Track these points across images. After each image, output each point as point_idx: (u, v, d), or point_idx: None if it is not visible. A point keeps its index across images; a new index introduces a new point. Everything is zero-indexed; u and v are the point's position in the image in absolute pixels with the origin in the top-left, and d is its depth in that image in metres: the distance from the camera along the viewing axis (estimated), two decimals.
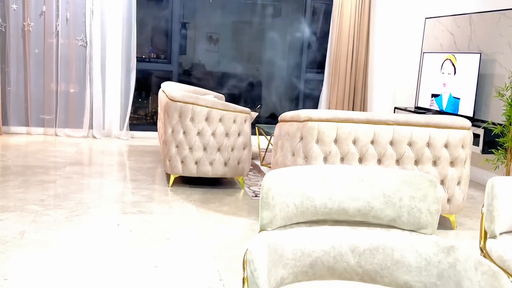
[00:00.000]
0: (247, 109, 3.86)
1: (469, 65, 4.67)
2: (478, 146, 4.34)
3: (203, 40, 6.42)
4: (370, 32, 6.02)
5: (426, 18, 5.66)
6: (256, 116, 5.14)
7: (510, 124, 3.92)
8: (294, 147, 3.08)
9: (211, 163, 3.76)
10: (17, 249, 2.49)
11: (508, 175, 3.97)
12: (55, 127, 5.55)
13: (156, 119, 6.32)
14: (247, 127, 3.84)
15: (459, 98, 4.80)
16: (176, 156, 3.72)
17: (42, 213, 3.06)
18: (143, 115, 6.34)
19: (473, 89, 4.58)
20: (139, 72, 5.75)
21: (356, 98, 6.09)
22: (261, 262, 1.02)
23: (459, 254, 1.19)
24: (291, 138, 3.12)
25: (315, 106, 6.39)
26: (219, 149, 3.76)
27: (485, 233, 1.56)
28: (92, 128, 5.61)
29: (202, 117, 3.69)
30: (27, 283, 2.16)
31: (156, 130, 5.93)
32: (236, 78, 6.59)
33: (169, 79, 5.98)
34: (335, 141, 3.00)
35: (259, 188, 3.98)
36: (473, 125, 4.38)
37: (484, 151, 4.31)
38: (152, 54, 6.21)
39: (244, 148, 3.84)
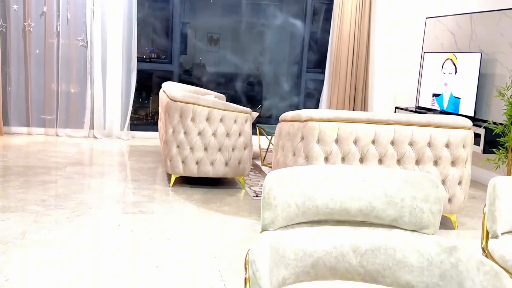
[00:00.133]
0: (248, 109, 3.86)
1: (470, 64, 4.67)
2: (479, 145, 4.34)
3: (204, 40, 6.42)
4: (370, 32, 6.02)
5: (426, 17, 5.65)
6: (257, 116, 5.14)
7: (511, 124, 3.91)
8: (295, 147, 3.08)
9: (212, 163, 3.76)
10: (18, 250, 2.49)
11: (509, 174, 3.97)
12: (56, 127, 5.55)
13: (157, 119, 6.32)
14: (248, 127, 3.84)
15: (459, 98, 4.80)
16: (177, 156, 3.72)
17: (43, 213, 3.06)
18: (143, 115, 6.34)
19: (474, 89, 4.57)
20: (139, 72, 5.75)
21: (357, 98, 6.09)
22: (263, 262, 1.01)
23: (461, 254, 1.19)
24: (292, 138, 3.12)
25: (316, 106, 6.39)
26: (220, 149, 3.76)
27: (487, 233, 1.56)
28: (93, 128, 5.61)
29: (203, 117, 3.69)
30: (28, 284, 2.16)
31: (156, 130, 5.93)
32: (236, 78, 6.59)
33: (169, 79, 5.98)
34: (336, 141, 2.99)
35: (260, 188, 3.98)
36: (474, 125, 4.38)
37: (485, 151, 4.31)
38: (153, 54, 6.21)
39: (245, 148, 3.83)
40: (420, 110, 5.37)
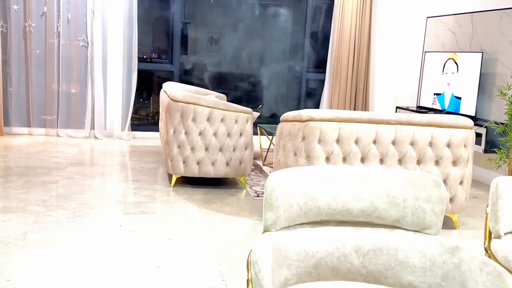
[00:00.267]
0: (249, 109, 3.85)
1: (471, 64, 4.66)
2: (480, 145, 4.33)
3: (204, 40, 6.42)
4: (371, 32, 6.02)
5: (427, 17, 5.65)
6: (258, 116, 5.14)
7: None
8: (296, 147, 3.08)
9: (213, 163, 3.76)
10: (20, 250, 2.49)
11: (511, 174, 3.96)
12: (57, 127, 5.55)
13: (157, 119, 6.32)
14: (249, 127, 3.84)
15: (460, 98, 4.79)
16: (178, 156, 3.72)
17: (44, 213, 3.06)
18: (144, 115, 6.34)
19: (475, 88, 4.57)
20: (140, 72, 5.75)
21: (358, 98, 6.09)
22: (266, 263, 1.01)
23: (463, 254, 1.19)
24: (293, 138, 3.12)
25: (317, 106, 6.39)
26: (221, 149, 3.75)
27: (490, 233, 1.56)
28: (93, 129, 5.61)
29: (204, 117, 3.69)
30: (30, 284, 2.16)
31: (157, 130, 5.93)
32: (237, 78, 6.58)
33: (170, 79, 5.98)
34: (337, 141, 2.99)
35: (261, 188, 3.98)
36: (475, 124, 4.37)
37: (486, 151, 4.30)
38: (153, 54, 6.21)
39: (246, 148, 3.83)
40: (421, 109, 5.36)
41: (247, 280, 1.01)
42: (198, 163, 3.74)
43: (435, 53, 5.24)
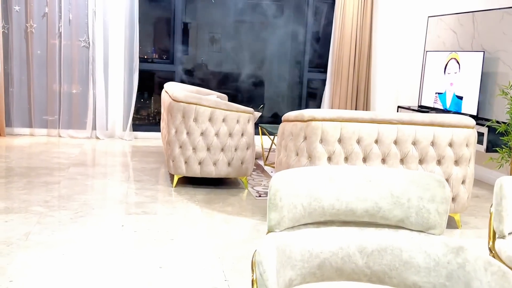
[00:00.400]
0: (250, 109, 3.85)
1: (472, 63, 4.65)
2: (482, 144, 4.33)
3: (205, 40, 6.42)
4: (372, 31, 6.01)
5: (428, 16, 5.64)
6: (259, 116, 5.14)
7: None
8: (298, 147, 3.08)
9: (214, 163, 3.76)
10: (22, 251, 2.50)
11: None
12: (59, 128, 5.56)
13: (159, 119, 6.33)
14: (250, 127, 3.84)
15: (461, 97, 4.79)
16: (179, 156, 3.72)
17: (47, 214, 3.06)
18: (145, 115, 6.34)
19: (477, 88, 4.56)
20: (141, 72, 5.76)
21: (359, 97, 6.08)
22: (270, 263, 1.01)
23: (468, 254, 1.18)
24: (294, 138, 3.11)
25: (318, 105, 6.39)
26: (222, 149, 3.75)
27: (494, 233, 1.55)
28: (95, 129, 5.61)
29: (206, 118, 3.69)
30: (33, 285, 2.16)
31: (159, 130, 5.93)
32: (238, 78, 6.58)
33: (171, 79, 5.98)
34: (339, 140, 2.99)
35: (263, 188, 3.98)
36: (477, 124, 4.37)
37: (488, 150, 4.30)
38: (154, 54, 6.21)
39: (247, 148, 3.83)
40: (422, 109, 5.36)
41: (252, 281, 1.01)
42: (200, 163, 3.74)
43: (437, 52, 5.24)
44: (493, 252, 1.49)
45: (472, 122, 3.14)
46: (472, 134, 3.13)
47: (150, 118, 6.36)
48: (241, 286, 2.28)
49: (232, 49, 6.51)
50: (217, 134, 3.73)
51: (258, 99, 6.67)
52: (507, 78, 4.44)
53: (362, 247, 1.25)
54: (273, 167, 4.70)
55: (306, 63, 6.28)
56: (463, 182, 3.16)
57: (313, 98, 6.51)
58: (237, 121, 3.77)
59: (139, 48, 5.65)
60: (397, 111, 5.77)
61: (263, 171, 4.61)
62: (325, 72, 6.22)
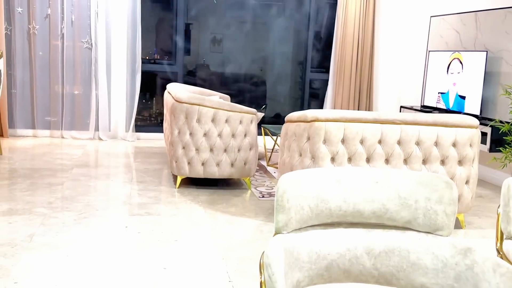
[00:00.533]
0: (253, 110, 3.85)
1: (475, 63, 4.65)
2: (485, 144, 4.32)
3: (207, 41, 6.42)
4: (375, 31, 6.00)
5: (431, 16, 5.63)
6: (262, 117, 5.13)
7: None
8: (301, 148, 3.07)
9: (217, 164, 3.76)
10: (26, 252, 2.50)
11: None
12: (61, 129, 5.56)
13: (161, 120, 6.33)
14: (253, 128, 3.83)
15: (464, 97, 4.78)
16: (182, 157, 3.72)
17: (50, 215, 3.06)
18: (147, 116, 6.35)
19: (480, 87, 4.55)
20: (143, 73, 5.76)
21: (362, 98, 6.08)
22: (278, 265, 1.01)
23: (476, 256, 1.18)
24: (298, 138, 3.11)
25: (321, 106, 6.38)
26: (225, 150, 3.75)
27: (502, 234, 1.55)
28: (98, 130, 5.62)
29: (209, 118, 3.69)
30: (37, 286, 2.16)
31: (161, 131, 5.94)
32: (240, 79, 6.58)
33: (174, 80, 5.99)
34: (342, 141, 2.98)
35: (266, 189, 3.98)
36: (480, 123, 4.36)
37: (491, 150, 4.29)
38: (156, 55, 6.21)
39: (250, 149, 3.83)
40: (425, 109, 5.35)
41: (260, 283, 1.01)
42: (203, 164, 3.74)
43: (439, 52, 5.23)
44: (501, 253, 1.48)
45: (476, 122, 3.13)
46: (475, 134, 3.12)
47: (152, 119, 6.37)
48: (246, 287, 2.28)
49: (234, 50, 6.51)
50: (220, 135, 3.72)
51: (260, 100, 6.67)
52: (510, 77, 4.43)
53: (369, 248, 1.25)
54: (276, 168, 4.70)
55: (308, 63, 6.28)
56: (467, 182, 3.16)
57: (315, 98, 6.50)
58: (240, 122, 3.77)
59: (141, 49, 5.65)
60: (400, 111, 5.76)
61: (266, 171, 4.61)
62: (328, 72, 6.22)
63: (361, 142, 3.00)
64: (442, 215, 1.25)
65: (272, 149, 4.94)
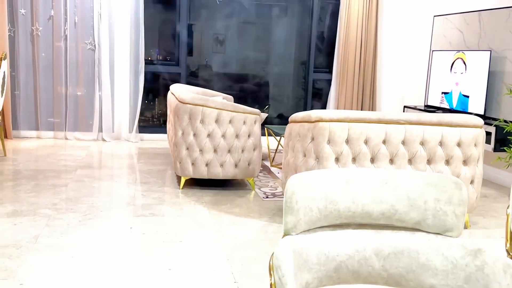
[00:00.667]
0: (257, 110, 3.85)
1: (479, 62, 4.63)
2: (490, 144, 4.30)
3: (210, 41, 6.42)
4: (378, 31, 6.00)
5: (434, 16, 5.62)
6: (265, 117, 5.13)
7: None
8: (306, 148, 3.07)
9: (221, 165, 3.75)
10: (32, 254, 2.50)
11: None
12: (65, 130, 5.57)
13: (164, 121, 6.33)
14: (257, 128, 3.83)
15: (468, 96, 4.77)
16: (186, 158, 3.72)
17: (55, 217, 3.07)
18: (150, 117, 6.35)
19: (484, 87, 4.54)
20: (146, 74, 5.76)
21: (365, 98, 6.07)
22: (288, 267, 1.01)
23: (486, 257, 1.18)
24: (302, 138, 3.11)
25: (324, 106, 6.38)
26: (229, 151, 3.75)
27: (511, 235, 1.54)
28: (101, 131, 5.62)
29: (212, 119, 3.69)
30: None
31: (164, 132, 5.94)
32: (243, 79, 6.58)
33: (177, 81, 5.99)
34: (347, 141, 2.98)
35: (270, 189, 3.97)
36: (484, 123, 4.34)
37: (496, 149, 4.28)
38: (158, 56, 6.22)
39: (254, 149, 3.83)
40: (429, 109, 5.34)
41: (270, 285, 1.01)
42: (206, 164, 3.74)
43: (443, 52, 5.22)
44: (511, 254, 1.48)
45: (481, 121, 3.12)
46: (480, 134, 3.11)
47: (155, 120, 6.37)
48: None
49: (236, 50, 6.51)
50: (224, 136, 3.72)
51: (263, 100, 6.66)
52: None
53: (378, 250, 1.25)
54: (280, 168, 4.69)
55: (311, 63, 6.27)
56: (471, 182, 3.15)
57: (318, 98, 6.50)
58: (244, 122, 3.76)
59: (144, 50, 5.66)
60: (403, 111, 5.75)
61: (270, 172, 4.60)
62: (331, 72, 6.21)
63: (366, 142, 2.99)
64: (451, 216, 1.24)
65: (276, 150, 4.93)
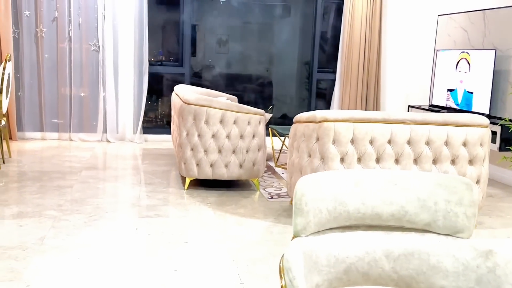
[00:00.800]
0: (261, 111, 3.84)
1: (484, 62, 4.61)
2: (495, 143, 4.29)
3: (213, 42, 6.42)
4: (382, 30, 5.98)
5: (438, 15, 5.60)
6: (270, 117, 5.12)
7: None
8: (310, 148, 3.06)
9: (226, 166, 3.75)
10: (38, 255, 2.50)
11: None
12: (70, 131, 5.58)
13: (168, 121, 6.34)
14: (261, 129, 3.83)
15: (472, 92, 4.74)
16: (191, 159, 3.72)
17: (61, 218, 3.07)
18: (153, 117, 6.35)
19: (489, 86, 4.52)
20: (150, 75, 5.77)
21: (369, 97, 6.05)
22: (299, 269, 1.00)
23: (498, 258, 1.17)
24: (307, 139, 3.10)
25: (328, 106, 6.36)
26: (234, 151, 3.75)
27: None
28: (106, 132, 5.63)
29: (217, 120, 3.68)
30: None
31: (169, 133, 5.94)
32: (246, 79, 6.58)
33: (181, 82, 5.99)
34: (352, 141, 2.97)
35: (275, 190, 3.97)
36: (489, 122, 4.32)
37: (501, 149, 4.26)
38: (161, 57, 6.22)
39: (259, 150, 3.82)
40: (433, 108, 5.32)
41: (281, 287, 1.01)
42: (211, 165, 3.73)
43: (447, 51, 5.20)
44: None
45: (486, 121, 3.11)
46: (486, 133, 3.10)
47: (158, 121, 6.37)
48: None
49: (240, 51, 6.50)
50: (228, 136, 3.72)
51: (267, 100, 6.66)
52: None
53: (388, 251, 1.24)
54: (284, 168, 4.68)
55: (315, 63, 6.26)
56: (477, 181, 3.13)
57: (322, 98, 6.49)
58: (248, 123, 3.76)
59: (148, 51, 5.66)
60: (408, 111, 5.73)
61: (274, 172, 4.60)
62: (334, 72, 6.20)
63: (371, 142, 2.98)
64: (462, 217, 1.23)
65: (280, 150, 4.93)
